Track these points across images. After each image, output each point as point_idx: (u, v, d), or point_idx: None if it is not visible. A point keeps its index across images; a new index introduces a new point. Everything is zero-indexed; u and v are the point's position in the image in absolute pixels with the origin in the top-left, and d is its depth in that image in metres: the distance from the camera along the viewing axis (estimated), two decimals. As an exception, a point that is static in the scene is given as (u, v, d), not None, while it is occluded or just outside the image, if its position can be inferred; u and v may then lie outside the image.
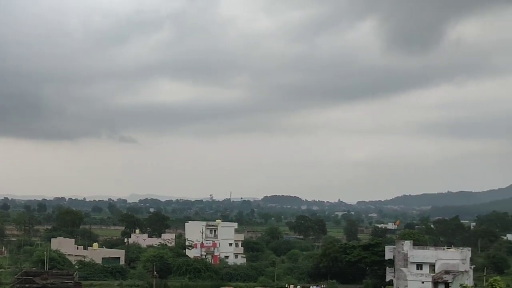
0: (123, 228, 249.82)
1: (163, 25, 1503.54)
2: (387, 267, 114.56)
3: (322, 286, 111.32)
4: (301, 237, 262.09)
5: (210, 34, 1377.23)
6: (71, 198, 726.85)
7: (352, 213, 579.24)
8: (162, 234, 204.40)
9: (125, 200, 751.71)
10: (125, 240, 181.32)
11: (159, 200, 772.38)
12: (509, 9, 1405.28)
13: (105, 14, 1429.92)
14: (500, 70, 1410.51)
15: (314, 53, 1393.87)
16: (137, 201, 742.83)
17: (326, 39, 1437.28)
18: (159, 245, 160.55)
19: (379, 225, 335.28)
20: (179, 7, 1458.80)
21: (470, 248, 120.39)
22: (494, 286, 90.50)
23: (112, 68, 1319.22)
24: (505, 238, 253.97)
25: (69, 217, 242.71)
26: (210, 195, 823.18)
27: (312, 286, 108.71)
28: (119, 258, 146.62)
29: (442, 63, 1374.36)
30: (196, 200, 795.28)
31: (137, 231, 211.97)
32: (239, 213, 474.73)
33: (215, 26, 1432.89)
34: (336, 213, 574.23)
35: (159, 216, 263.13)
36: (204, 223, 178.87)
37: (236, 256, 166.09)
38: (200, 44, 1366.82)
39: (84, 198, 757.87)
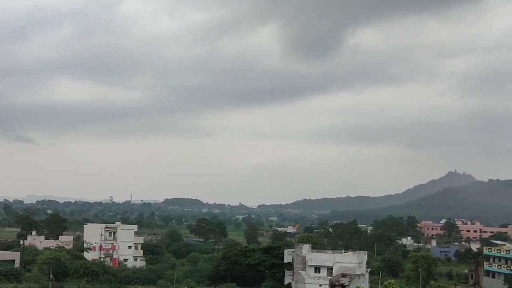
0: (19, 229, 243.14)
1: (64, 22, 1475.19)
2: (286, 270, 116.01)
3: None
4: (202, 240, 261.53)
5: (111, 33, 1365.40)
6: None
7: (253, 216, 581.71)
8: (60, 236, 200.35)
9: (21, 201, 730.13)
10: (21, 242, 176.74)
11: (57, 202, 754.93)
12: (406, 19, 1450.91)
13: (2, 9, 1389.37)
14: (396, 78, 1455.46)
15: (216, 56, 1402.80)
16: (34, 202, 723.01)
17: (228, 42, 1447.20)
18: (56, 247, 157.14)
19: (279, 229, 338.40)
20: (80, 4, 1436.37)
21: (366, 252, 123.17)
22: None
23: (9, 65, 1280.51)
24: (400, 242, 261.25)
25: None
26: (110, 197, 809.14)
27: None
28: (14, 260, 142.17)
29: (341, 69, 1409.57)
30: (95, 202, 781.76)
31: (34, 233, 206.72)
32: (140, 215, 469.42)
33: (117, 25, 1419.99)
34: (237, 216, 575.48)
35: (57, 218, 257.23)
36: (103, 225, 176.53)
37: (135, 259, 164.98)
38: (102, 43, 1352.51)
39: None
